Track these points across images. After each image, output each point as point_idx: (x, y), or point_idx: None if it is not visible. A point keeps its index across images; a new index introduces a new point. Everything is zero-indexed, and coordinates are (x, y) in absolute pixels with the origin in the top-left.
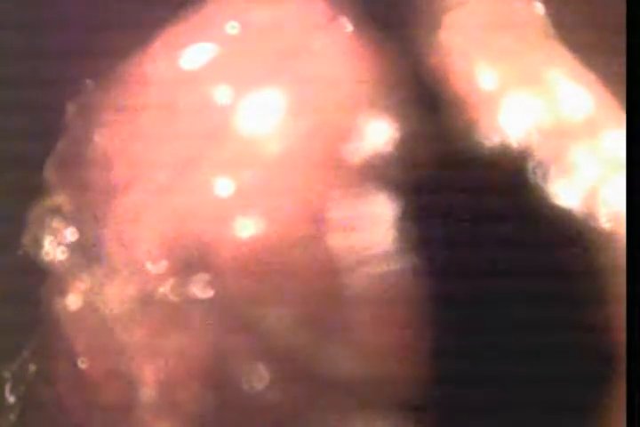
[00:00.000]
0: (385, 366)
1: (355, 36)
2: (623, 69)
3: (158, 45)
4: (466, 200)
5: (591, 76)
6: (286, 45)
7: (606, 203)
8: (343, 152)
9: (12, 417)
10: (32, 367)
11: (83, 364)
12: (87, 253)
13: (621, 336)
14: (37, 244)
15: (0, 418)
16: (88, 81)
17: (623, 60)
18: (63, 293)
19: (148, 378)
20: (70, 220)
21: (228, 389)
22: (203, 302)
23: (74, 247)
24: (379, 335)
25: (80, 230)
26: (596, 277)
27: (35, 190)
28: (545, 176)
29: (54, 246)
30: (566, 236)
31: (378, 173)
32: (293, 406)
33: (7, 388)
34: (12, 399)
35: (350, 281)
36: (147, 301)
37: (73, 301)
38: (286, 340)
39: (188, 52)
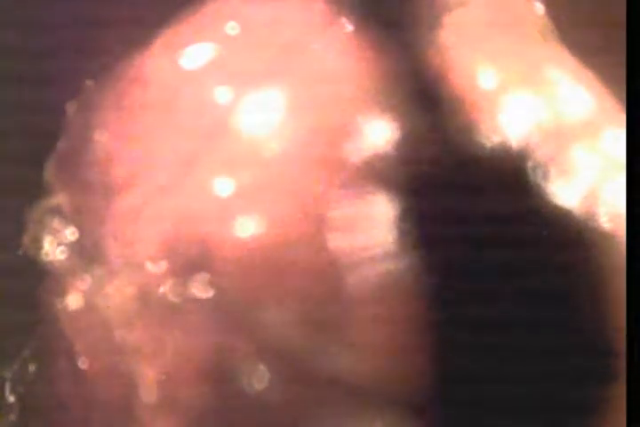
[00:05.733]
0: (384, 365)
1: (355, 36)
2: (623, 69)
3: (158, 45)
4: (466, 200)
5: (591, 76)
6: (286, 45)
7: (606, 203)
8: (343, 152)
9: (13, 417)
10: (32, 367)
11: (83, 364)
12: (87, 253)
13: (621, 336)
14: (37, 244)
15: (0, 418)
16: (88, 81)
17: (623, 60)
18: (63, 293)
19: (148, 378)
20: (70, 220)
21: (228, 389)
22: (203, 301)
23: (74, 247)
24: (379, 335)
25: (80, 230)
26: (595, 277)
27: (35, 190)
28: (545, 176)
29: (54, 246)
30: (566, 236)
31: (378, 173)
32: (293, 406)
33: (7, 388)
34: (12, 399)
35: (350, 281)
36: (147, 301)
37: (73, 300)
38: (286, 340)
39: (187, 52)
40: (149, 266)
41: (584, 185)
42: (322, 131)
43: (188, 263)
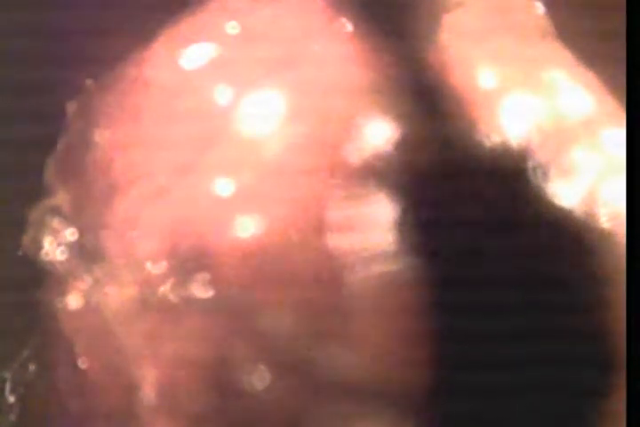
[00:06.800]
0: (385, 366)
1: (355, 37)
2: (623, 69)
3: (158, 45)
4: (465, 200)
5: (591, 76)
6: (286, 45)
7: (606, 203)
8: (343, 152)
9: (13, 417)
10: (32, 367)
11: (83, 364)
12: (87, 253)
13: (621, 337)
14: (37, 244)
15: (0, 418)
16: (88, 81)
17: (623, 59)
18: (63, 293)
19: (148, 378)
20: (70, 220)
21: (229, 389)
22: (203, 302)
23: (74, 247)
24: (379, 335)
25: (80, 230)
26: (595, 277)
27: (35, 190)
28: (545, 176)
29: (54, 246)
30: (566, 236)
31: (378, 174)
32: (294, 406)
33: (7, 388)
34: (12, 399)
35: (350, 281)
36: (147, 301)
37: (73, 300)
38: (286, 340)
39: (188, 52)
40: (149, 266)
41: (584, 185)
42: (322, 131)
43: (188, 263)
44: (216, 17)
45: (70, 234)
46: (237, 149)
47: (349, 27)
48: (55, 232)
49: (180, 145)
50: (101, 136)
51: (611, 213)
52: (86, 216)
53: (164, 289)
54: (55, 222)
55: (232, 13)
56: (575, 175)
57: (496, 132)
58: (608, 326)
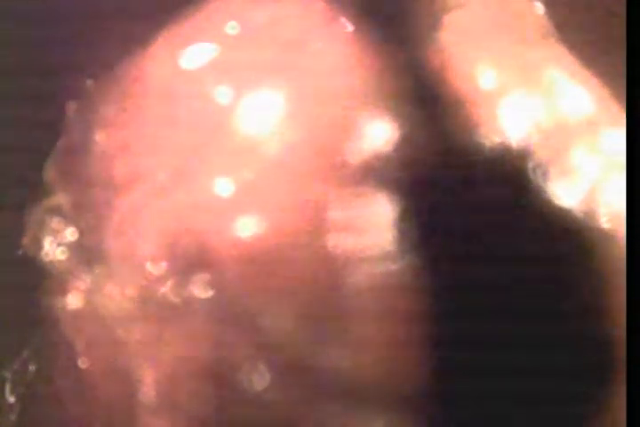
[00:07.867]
0: (384, 365)
1: (355, 37)
2: (623, 69)
3: (158, 45)
4: (465, 200)
5: (591, 76)
6: (286, 45)
7: (606, 203)
8: (343, 152)
9: (13, 417)
10: (32, 367)
11: (83, 364)
12: (87, 253)
13: (621, 338)
14: (37, 244)
15: (0, 418)
16: (88, 81)
17: (623, 59)
18: (63, 292)
19: (148, 378)
20: (70, 220)
21: (229, 389)
22: (203, 301)
23: (74, 247)
24: (378, 335)
25: (80, 230)
26: (596, 277)
27: (35, 190)
28: (545, 176)
29: (54, 246)
30: (566, 236)
31: (378, 173)
32: (293, 406)
33: (7, 388)
34: (12, 399)
35: (349, 281)
36: (147, 301)
37: (73, 300)
38: (287, 339)
39: (188, 52)
40: (149, 266)
41: (584, 185)
42: (322, 131)
43: (188, 263)
44: (216, 17)
45: (70, 234)
46: (237, 149)
47: (349, 27)
48: (55, 232)
49: (180, 145)
50: (101, 136)
51: (611, 213)
52: (86, 216)
53: (165, 289)
54: (55, 222)
55: (232, 13)
56: (575, 175)
57: (496, 133)
58: (608, 327)
